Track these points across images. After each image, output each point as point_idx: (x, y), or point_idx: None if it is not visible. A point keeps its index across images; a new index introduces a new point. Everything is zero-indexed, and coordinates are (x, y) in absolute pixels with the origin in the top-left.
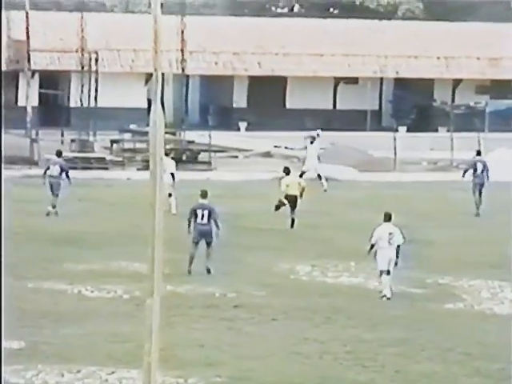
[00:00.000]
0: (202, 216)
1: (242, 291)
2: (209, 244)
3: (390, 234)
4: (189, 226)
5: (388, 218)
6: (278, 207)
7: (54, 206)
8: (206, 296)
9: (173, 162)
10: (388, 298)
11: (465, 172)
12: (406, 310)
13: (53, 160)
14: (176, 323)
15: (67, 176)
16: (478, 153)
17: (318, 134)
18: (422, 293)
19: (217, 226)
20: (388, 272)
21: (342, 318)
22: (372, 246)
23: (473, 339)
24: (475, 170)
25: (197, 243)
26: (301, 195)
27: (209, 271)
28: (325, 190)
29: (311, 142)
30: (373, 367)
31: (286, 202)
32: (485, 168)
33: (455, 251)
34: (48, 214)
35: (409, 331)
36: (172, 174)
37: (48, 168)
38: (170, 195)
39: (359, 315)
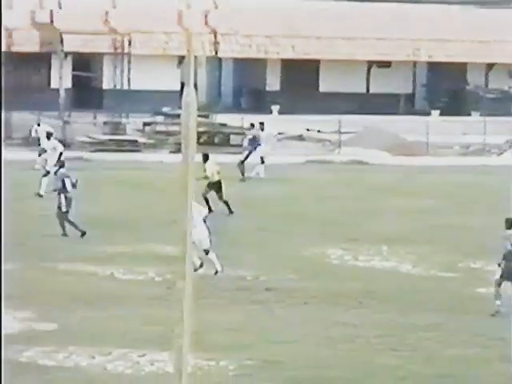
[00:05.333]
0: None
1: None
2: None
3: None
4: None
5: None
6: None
7: None
8: (237, 279)
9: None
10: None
11: None
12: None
13: None
14: (207, 306)
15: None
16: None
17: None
18: (453, 276)
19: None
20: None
21: (374, 302)
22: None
23: None
24: None
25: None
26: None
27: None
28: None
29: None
30: (404, 351)
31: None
32: None
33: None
34: None
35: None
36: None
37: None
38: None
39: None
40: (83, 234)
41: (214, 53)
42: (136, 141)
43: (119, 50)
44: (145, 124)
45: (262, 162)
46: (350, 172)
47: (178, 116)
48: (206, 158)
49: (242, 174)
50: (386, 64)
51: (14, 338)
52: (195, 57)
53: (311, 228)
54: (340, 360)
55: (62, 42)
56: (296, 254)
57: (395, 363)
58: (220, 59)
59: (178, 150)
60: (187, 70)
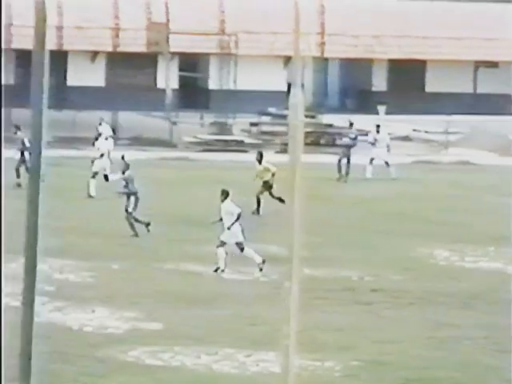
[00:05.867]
0: None
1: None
2: None
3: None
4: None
5: (226, 194)
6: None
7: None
8: (342, 279)
9: None
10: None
11: None
12: None
13: None
14: (312, 306)
15: None
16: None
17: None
18: None
19: None
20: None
21: (480, 304)
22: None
23: None
24: None
25: None
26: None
27: None
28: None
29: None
30: (511, 353)
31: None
32: None
33: None
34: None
35: None
36: None
37: None
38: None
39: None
40: (148, 230)
41: (320, 53)
42: (242, 141)
43: (226, 51)
44: (251, 124)
45: (371, 162)
46: (457, 173)
47: (284, 116)
48: (260, 157)
49: (345, 174)
50: (493, 64)
51: (120, 338)
52: (302, 57)
53: (417, 228)
54: (447, 361)
55: (168, 42)
56: (402, 255)
57: (502, 365)
58: (326, 60)
59: (284, 151)
60: (294, 70)
